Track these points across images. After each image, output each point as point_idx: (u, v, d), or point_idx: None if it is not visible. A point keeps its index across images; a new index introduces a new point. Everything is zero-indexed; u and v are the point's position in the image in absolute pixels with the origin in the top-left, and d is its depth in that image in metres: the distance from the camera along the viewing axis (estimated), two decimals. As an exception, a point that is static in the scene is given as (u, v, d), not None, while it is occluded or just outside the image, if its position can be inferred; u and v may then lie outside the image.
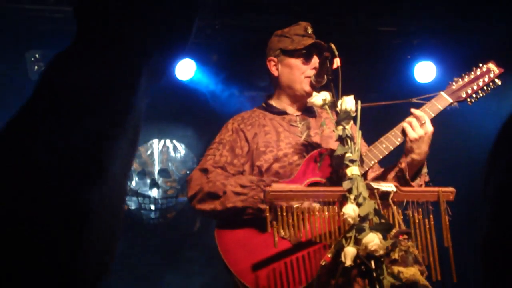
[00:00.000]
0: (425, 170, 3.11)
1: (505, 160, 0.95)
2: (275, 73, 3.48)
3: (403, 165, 3.05)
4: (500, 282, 0.91)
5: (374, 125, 3.51)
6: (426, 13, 6.25)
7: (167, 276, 6.20)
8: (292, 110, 3.46)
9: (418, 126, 3.01)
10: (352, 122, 2.86)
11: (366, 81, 6.15)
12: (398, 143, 3.08)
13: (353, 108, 2.84)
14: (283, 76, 3.43)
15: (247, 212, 3.04)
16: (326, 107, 2.93)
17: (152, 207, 6.47)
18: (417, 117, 3.03)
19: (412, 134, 3.00)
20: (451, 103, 3.16)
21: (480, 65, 3.24)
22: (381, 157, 3.09)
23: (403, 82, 6.59)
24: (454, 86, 3.20)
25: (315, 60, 3.32)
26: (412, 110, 3.09)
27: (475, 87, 3.18)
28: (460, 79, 3.21)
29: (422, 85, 6.52)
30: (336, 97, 2.92)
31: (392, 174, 3.09)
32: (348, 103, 2.84)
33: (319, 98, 2.94)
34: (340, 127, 2.81)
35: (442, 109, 3.14)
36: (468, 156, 6.53)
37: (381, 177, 3.14)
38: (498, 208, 0.94)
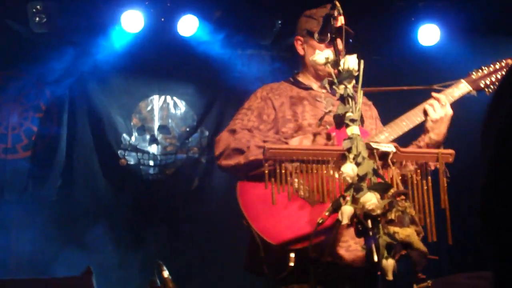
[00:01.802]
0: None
1: (505, 109, 0.96)
2: (301, 52, 3.62)
3: (421, 143, 3.27)
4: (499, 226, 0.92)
5: (387, 106, 3.68)
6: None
7: (159, 232, 6.24)
8: (316, 86, 3.57)
9: (439, 108, 3.24)
10: (354, 82, 2.85)
11: (369, 42, 6.11)
12: (417, 122, 3.27)
13: (356, 67, 2.82)
14: (308, 56, 3.47)
15: (268, 163, 3.07)
16: (329, 65, 2.91)
17: (151, 163, 6.46)
18: (438, 99, 3.24)
19: (433, 115, 3.23)
20: (470, 91, 3.37)
21: (499, 60, 3.44)
22: (401, 134, 3.24)
23: (406, 45, 6.57)
24: (474, 76, 3.41)
25: (339, 42, 3.31)
26: (433, 94, 3.30)
27: (493, 79, 3.39)
28: (480, 71, 3.42)
29: (426, 48, 6.49)
30: (338, 56, 2.91)
31: (394, 143, 3.12)
32: (350, 62, 2.82)
33: (321, 56, 2.92)
34: (342, 86, 2.79)
35: (461, 95, 3.36)
36: (469, 125, 6.55)
37: None
38: (497, 152, 0.96)
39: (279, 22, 6.26)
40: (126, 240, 6.13)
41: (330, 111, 3.32)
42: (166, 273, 3.55)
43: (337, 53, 2.91)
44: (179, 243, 6.17)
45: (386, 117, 3.45)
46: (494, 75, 3.39)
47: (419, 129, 3.30)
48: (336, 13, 3.00)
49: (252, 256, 3.21)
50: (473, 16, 6.14)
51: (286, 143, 3.15)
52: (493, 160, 0.96)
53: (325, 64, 2.93)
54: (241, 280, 4.46)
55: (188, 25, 6.21)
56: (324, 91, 3.50)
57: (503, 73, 3.37)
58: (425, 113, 3.26)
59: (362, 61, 2.84)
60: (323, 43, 3.20)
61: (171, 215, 6.33)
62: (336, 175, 2.78)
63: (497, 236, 0.95)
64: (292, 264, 2.96)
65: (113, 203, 6.25)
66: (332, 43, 3.02)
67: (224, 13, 6.36)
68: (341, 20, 2.99)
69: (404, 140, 3.24)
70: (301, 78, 3.63)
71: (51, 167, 6.10)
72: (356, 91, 2.79)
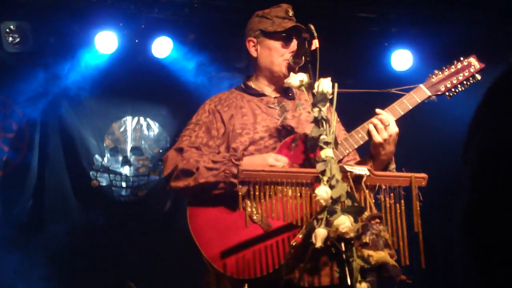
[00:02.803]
0: (393, 166, 3.15)
1: (484, 129, 0.97)
2: (254, 54, 3.46)
3: (369, 164, 3.06)
4: (482, 248, 0.93)
5: (351, 113, 3.53)
6: (406, 1, 6.26)
7: (131, 253, 6.18)
8: (270, 92, 3.45)
9: (383, 129, 3.02)
10: (328, 104, 2.85)
11: (343, 66, 6.15)
12: (362, 142, 3.10)
13: (330, 91, 2.83)
14: (261, 57, 3.41)
15: (219, 186, 3.04)
16: (303, 88, 2.92)
17: (124, 184, 6.42)
18: (381, 120, 3.03)
19: (377, 138, 3.03)
20: (430, 96, 3.16)
21: (462, 58, 3.23)
22: (356, 147, 3.11)
23: (380, 69, 6.63)
24: (434, 79, 3.18)
25: (295, 44, 3.31)
26: (377, 110, 3.09)
27: (454, 81, 3.17)
28: (440, 72, 3.19)
29: (399, 73, 6.56)
30: (313, 79, 2.91)
31: (367, 166, 3.10)
32: (325, 85, 2.83)
33: (296, 79, 2.93)
34: (316, 109, 2.80)
35: (420, 101, 3.14)
36: (441, 146, 6.61)
37: None
38: (478, 171, 0.96)
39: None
40: (98, 261, 6.05)
41: (285, 118, 3.30)
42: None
43: (311, 76, 2.92)
44: (151, 265, 6.10)
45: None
46: (455, 77, 3.17)
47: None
48: (309, 37, 3.01)
49: (206, 283, 3.17)
50: (446, 41, 6.21)
51: (237, 164, 3.00)
52: (476, 177, 0.97)
53: (299, 87, 2.93)
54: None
55: (162, 47, 6.21)
56: (277, 95, 3.42)
57: (466, 74, 3.17)
58: (369, 134, 3.05)
59: (336, 84, 2.84)
60: (298, 66, 3.21)
61: (143, 237, 6.26)
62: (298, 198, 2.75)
63: (478, 252, 0.96)
64: None
65: (85, 223, 6.19)
66: (306, 66, 3.03)
67: (199, 36, 6.37)
68: (315, 43, 2.99)
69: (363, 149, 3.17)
70: (253, 84, 3.48)
71: (23, 188, 6.03)
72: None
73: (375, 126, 3.03)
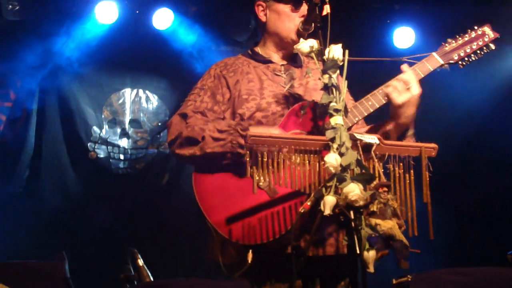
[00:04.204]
0: (411, 131, 3.07)
1: None
2: (263, 18, 3.40)
3: (388, 127, 3.02)
4: None
5: (359, 83, 3.47)
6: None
7: (130, 224, 6.15)
8: (277, 58, 3.40)
9: (404, 90, 2.94)
10: (338, 72, 2.81)
11: (345, 43, 6.08)
12: (384, 101, 3.02)
13: (341, 57, 2.78)
14: (270, 22, 3.35)
15: (226, 157, 3.00)
16: (313, 54, 2.87)
17: (121, 156, 6.38)
18: (404, 80, 2.96)
19: (397, 100, 2.94)
20: (442, 65, 3.09)
21: (476, 27, 3.16)
22: (366, 114, 3.05)
23: (382, 47, 6.60)
24: (447, 47, 3.12)
25: (304, 8, 3.24)
26: (402, 70, 3.02)
27: (468, 50, 3.10)
28: (453, 41, 3.13)
29: (401, 50, 6.51)
30: (323, 45, 2.86)
31: (377, 135, 3.06)
32: (335, 51, 2.78)
33: (306, 45, 2.88)
34: (326, 76, 2.75)
35: (432, 70, 3.07)
36: (456, 115, 6.60)
37: None
38: None
39: (255, 19, 6.22)
40: (97, 231, 6.02)
41: (292, 86, 3.26)
42: (140, 262, 3.48)
43: (322, 42, 2.87)
44: (151, 235, 6.05)
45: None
46: (469, 46, 3.10)
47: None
48: (320, 2, 2.95)
49: (210, 249, 3.14)
50: (448, 19, 6.16)
51: (243, 135, 2.95)
52: None
53: (309, 53, 2.88)
54: (214, 269, 4.39)
55: (163, 19, 6.16)
56: (284, 62, 3.38)
57: (480, 43, 3.10)
58: (388, 97, 2.97)
59: (347, 51, 2.79)
60: (307, 32, 3.15)
61: (141, 207, 6.22)
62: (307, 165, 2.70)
63: None
64: (250, 261, 2.89)
65: (82, 196, 6.15)
66: (316, 32, 2.98)
67: (200, 8, 6.32)
68: (326, 9, 2.94)
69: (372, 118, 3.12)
70: (260, 50, 3.43)
71: (19, 158, 5.99)
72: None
73: (395, 88, 2.96)
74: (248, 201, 2.94)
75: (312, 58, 2.89)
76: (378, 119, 3.14)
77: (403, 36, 6.57)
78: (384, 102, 3.02)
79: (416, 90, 2.96)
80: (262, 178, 2.75)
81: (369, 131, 3.15)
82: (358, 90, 3.38)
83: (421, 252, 2.67)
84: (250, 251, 2.89)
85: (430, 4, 6.48)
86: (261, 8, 3.40)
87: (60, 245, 5.50)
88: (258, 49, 3.45)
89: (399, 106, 2.95)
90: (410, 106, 2.97)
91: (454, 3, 6.34)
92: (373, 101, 3.02)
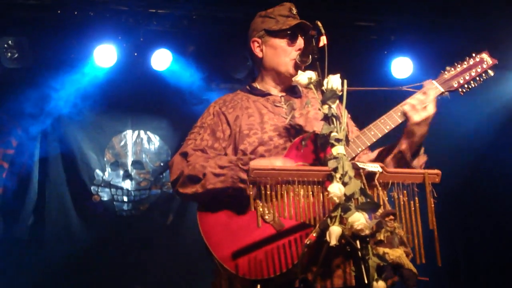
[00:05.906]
0: (422, 149, 3.08)
1: None
2: (259, 54, 3.39)
3: (403, 146, 3.03)
4: None
5: (358, 114, 3.48)
6: (405, 9, 6.25)
7: (134, 266, 6.11)
8: (276, 91, 3.39)
9: (421, 109, 2.97)
10: (338, 101, 2.80)
11: (343, 74, 6.11)
12: (386, 131, 3.03)
13: (339, 87, 2.78)
14: (267, 57, 3.35)
15: (228, 192, 2.98)
16: (312, 86, 2.87)
17: (125, 198, 6.37)
18: (420, 100, 2.98)
19: (415, 118, 2.97)
20: (443, 93, 3.09)
21: (474, 54, 3.17)
22: (369, 144, 3.04)
23: (380, 77, 6.62)
24: (446, 75, 3.12)
25: (300, 41, 3.26)
26: (423, 86, 3.04)
27: (467, 77, 3.11)
28: (452, 68, 3.13)
29: (399, 80, 6.53)
30: (321, 76, 2.86)
31: (390, 156, 3.06)
32: (334, 81, 2.78)
33: (304, 77, 2.89)
34: (326, 106, 2.75)
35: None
36: (456, 141, 6.59)
37: (377, 159, 3.10)
38: None
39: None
40: (101, 276, 5.98)
41: (293, 117, 3.24)
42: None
43: (320, 73, 2.88)
44: (155, 277, 6.01)
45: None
46: (468, 73, 3.10)
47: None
48: (316, 34, 2.97)
49: (217, 287, 3.09)
50: (445, 48, 6.19)
51: (244, 169, 2.94)
52: None
53: (308, 85, 2.89)
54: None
55: (162, 59, 6.20)
56: (283, 94, 3.37)
57: (478, 70, 3.11)
58: (405, 115, 2.98)
59: (345, 81, 2.80)
60: (305, 64, 3.16)
61: (146, 250, 6.19)
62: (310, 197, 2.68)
63: None
64: None
65: (86, 240, 6.12)
66: (313, 63, 2.99)
67: (198, 48, 6.35)
68: (323, 40, 2.95)
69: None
70: (258, 85, 3.42)
71: (23, 205, 5.97)
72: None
73: (413, 107, 2.98)
74: (254, 235, 2.91)
75: (311, 89, 2.90)
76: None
77: (401, 66, 6.60)
78: (386, 131, 3.02)
79: (432, 109, 2.99)
80: (266, 211, 2.73)
81: (381, 153, 3.16)
82: (359, 120, 3.39)
83: (429, 279, 2.65)
84: (258, 285, 2.86)
85: (427, 33, 6.52)
86: (256, 44, 3.39)
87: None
88: (256, 84, 3.45)
89: (416, 123, 2.97)
90: (426, 125, 2.99)
91: (450, 32, 6.37)
92: (376, 130, 3.02)
